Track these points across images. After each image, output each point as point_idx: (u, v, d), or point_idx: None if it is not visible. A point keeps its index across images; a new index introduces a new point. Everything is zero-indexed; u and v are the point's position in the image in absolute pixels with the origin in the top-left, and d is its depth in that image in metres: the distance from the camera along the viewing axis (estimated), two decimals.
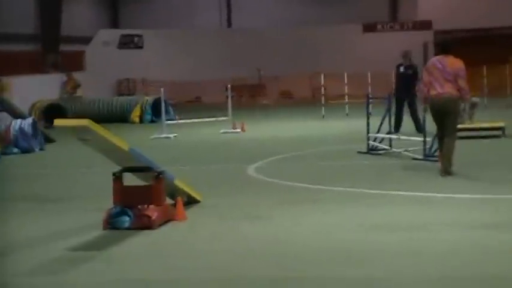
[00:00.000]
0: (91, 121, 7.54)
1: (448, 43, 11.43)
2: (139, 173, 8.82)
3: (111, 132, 8.01)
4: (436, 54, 36.29)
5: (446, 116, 11.02)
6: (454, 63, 11.03)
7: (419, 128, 15.98)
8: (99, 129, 7.66)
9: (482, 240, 7.41)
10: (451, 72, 10.95)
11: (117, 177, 8.57)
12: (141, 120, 24.66)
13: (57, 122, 7.46)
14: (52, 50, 31.89)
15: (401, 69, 18.16)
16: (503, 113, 21.52)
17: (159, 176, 8.59)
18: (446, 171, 10.99)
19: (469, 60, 29.56)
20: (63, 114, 23.67)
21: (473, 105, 16.41)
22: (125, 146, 8.14)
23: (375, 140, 14.29)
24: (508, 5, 35.78)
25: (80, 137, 7.77)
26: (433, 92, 11.02)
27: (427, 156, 12.78)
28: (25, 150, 16.44)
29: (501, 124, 16.07)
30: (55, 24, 32.17)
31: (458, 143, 14.07)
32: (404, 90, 17.31)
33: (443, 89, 10.93)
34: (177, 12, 39.50)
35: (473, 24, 35.81)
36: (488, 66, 26.22)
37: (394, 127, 15.50)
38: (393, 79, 18.68)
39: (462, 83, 10.94)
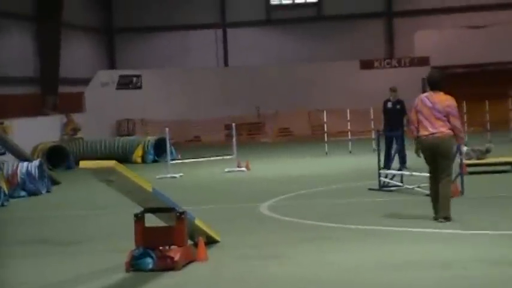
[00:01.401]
0: (117, 163, 7.51)
1: (436, 78, 10.33)
2: (160, 214, 8.75)
3: (134, 173, 7.97)
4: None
5: (440, 157, 10.19)
6: (444, 100, 10.17)
7: (403, 163, 16.03)
8: (124, 170, 7.63)
9: (508, 276, 7.36)
10: (442, 110, 10.09)
11: (139, 218, 8.51)
12: (143, 160, 24.60)
13: (83, 164, 7.42)
14: (51, 92, 31.93)
15: (389, 104, 18.17)
16: (508, 147, 21.56)
17: (181, 216, 8.53)
18: (445, 217, 10.21)
19: (468, 95, 30.00)
20: (65, 156, 23.63)
21: (487, 151, 16.25)
22: (148, 186, 8.10)
23: (386, 176, 14.25)
24: (504, 40, 36.08)
25: (105, 178, 7.72)
26: (423, 132, 10.20)
27: None
28: (32, 193, 16.35)
29: (509, 159, 16.08)
30: (54, 66, 32.26)
31: (470, 178, 14.12)
32: (393, 125, 17.24)
33: (434, 128, 10.12)
34: (174, 52, 39.71)
35: (470, 60, 36.06)
36: (489, 102, 26.38)
37: (385, 165, 15.24)
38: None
39: (455, 121, 10.12)
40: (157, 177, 18.75)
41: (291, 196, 14.24)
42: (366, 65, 36.88)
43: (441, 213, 10.22)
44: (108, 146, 25.32)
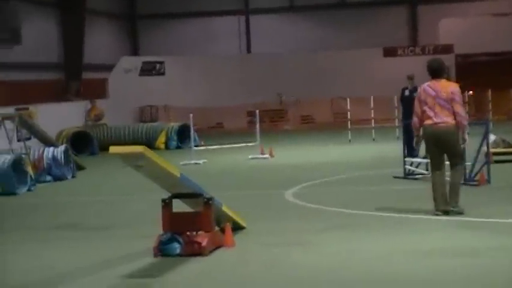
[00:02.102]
0: (146, 148, 7.53)
1: (436, 66, 9.98)
2: (188, 199, 8.78)
3: (163, 158, 7.99)
4: (456, 78, 35.96)
5: (446, 148, 9.90)
6: (447, 86, 9.87)
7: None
8: (153, 155, 7.65)
9: None
10: (446, 98, 9.78)
11: (167, 204, 8.54)
12: (166, 147, 24.68)
13: (113, 149, 7.45)
14: (75, 78, 32.05)
15: (406, 92, 17.87)
16: None
17: (208, 202, 8.55)
18: (453, 207, 9.95)
19: (493, 84, 29.78)
20: (89, 142, 23.75)
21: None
22: (176, 172, 8.13)
23: (411, 164, 14.20)
24: None
25: (134, 163, 7.75)
26: (428, 122, 9.88)
27: (467, 180, 12.68)
28: (58, 178, 16.47)
29: None
30: (78, 52, 32.37)
31: (496, 167, 14.02)
32: (411, 113, 16.83)
33: (439, 118, 9.80)
34: (197, 39, 39.69)
35: (495, 48, 35.77)
36: None
37: (408, 153, 14.85)
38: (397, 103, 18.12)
39: (458, 108, 9.76)
40: (181, 163, 18.78)
41: (315, 183, 14.23)
42: (390, 52, 36.69)
43: (452, 204, 9.96)
44: (131, 132, 25.41)
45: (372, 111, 25.23)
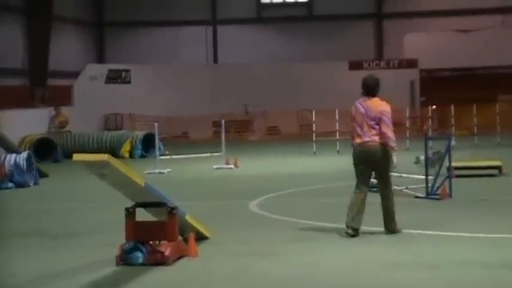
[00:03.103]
0: (110, 156, 7.48)
1: (371, 83, 9.62)
2: (152, 209, 8.73)
3: (128, 167, 7.94)
4: (420, 93, 36.25)
5: (373, 168, 9.66)
6: (378, 106, 9.49)
7: None
8: (118, 164, 7.60)
9: (500, 279, 7.40)
10: (375, 117, 9.45)
11: (130, 213, 8.48)
12: (131, 155, 24.54)
13: (77, 156, 7.39)
14: (40, 85, 31.77)
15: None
16: (495, 152, 21.68)
17: (172, 211, 8.52)
18: (391, 229, 9.69)
19: (456, 99, 30.12)
20: (53, 149, 23.53)
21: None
22: (141, 181, 8.08)
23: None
24: (492, 45, 36.25)
25: (98, 171, 7.70)
26: (357, 140, 9.58)
27: (430, 194, 12.79)
28: (20, 185, 16.28)
29: (498, 163, 16.17)
30: (43, 59, 32.09)
31: (458, 182, 14.16)
32: None
33: (367, 137, 9.48)
34: (164, 47, 39.63)
35: (459, 64, 36.25)
36: (477, 106, 26.48)
37: None
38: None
39: (386, 129, 9.39)
40: (146, 172, 18.69)
41: (279, 194, 14.25)
42: (355, 65, 36.92)
43: (388, 226, 9.72)
44: (96, 140, 25.22)
45: (337, 123, 25.35)
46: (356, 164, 9.71)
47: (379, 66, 37.08)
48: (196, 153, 21.49)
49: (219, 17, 40.37)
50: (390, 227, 9.71)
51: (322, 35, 39.30)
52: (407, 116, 27.15)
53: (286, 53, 38.99)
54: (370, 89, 9.61)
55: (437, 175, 12.87)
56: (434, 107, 29.15)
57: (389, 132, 9.45)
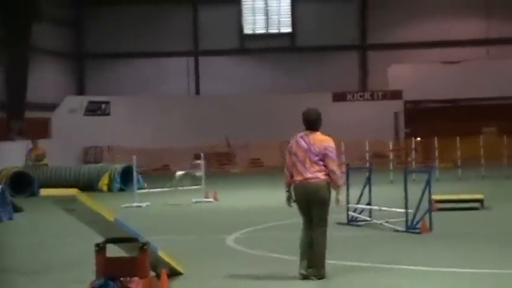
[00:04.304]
0: (79, 191, 7.47)
1: (313, 117, 9.29)
2: (122, 244, 8.69)
3: (97, 202, 7.93)
4: (405, 124, 36.52)
5: (314, 206, 9.16)
6: (322, 141, 9.12)
7: None
8: (86, 199, 7.59)
9: None
10: (319, 153, 9.06)
11: (101, 248, 8.44)
12: (110, 189, 24.49)
13: (44, 191, 7.37)
14: (17, 117, 31.74)
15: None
16: (479, 185, 21.80)
17: (143, 247, 8.48)
18: (319, 276, 9.15)
19: (441, 131, 30.34)
20: (30, 183, 23.43)
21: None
22: (110, 216, 8.06)
23: (354, 210, 14.31)
24: (477, 76, 36.61)
25: (66, 207, 7.68)
26: (297, 178, 9.11)
27: (410, 228, 12.82)
28: None
29: (480, 196, 16.24)
30: (21, 90, 32.11)
31: (439, 215, 14.22)
32: None
33: (310, 173, 9.05)
34: (145, 79, 39.80)
35: (443, 95, 36.58)
36: (461, 137, 26.63)
37: None
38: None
39: (332, 165, 9.06)
40: (123, 206, 18.67)
41: (258, 228, 14.23)
42: (339, 97, 37.21)
43: (314, 270, 9.14)
44: (73, 173, 25.18)
45: None
46: (298, 202, 9.25)
47: (363, 98, 37.38)
48: (175, 187, 21.44)
49: (201, 47, 40.64)
50: (319, 273, 9.16)
51: (305, 66, 39.60)
52: (391, 148, 27.26)
53: (269, 84, 39.25)
54: (312, 123, 9.27)
55: (417, 208, 12.90)
56: (418, 138, 29.33)
57: (337, 169, 9.12)
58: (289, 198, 9.36)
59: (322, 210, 9.23)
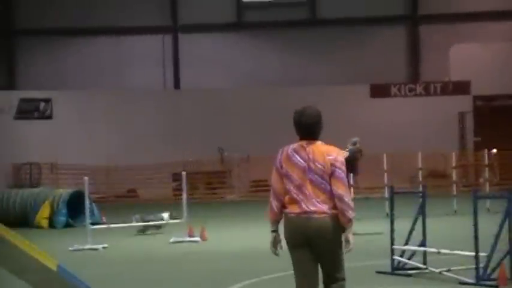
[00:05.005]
0: (5, 228, 7.48)
1: (311, 119, 8.91)
2: None
3: (32, 243, 7.94)
4: (474, 130, 36.59)
5: (321, 253, 8.62)
6: (325, 153, 8.69)
7: None
8: (15, 238, 7.60)
9: None
10: (323, 171, 8.61)
11: None
12: (51, 224, 24.55)
13: None
14: None
15: None
16: None
17: None
18: None
19: None
20: None
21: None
22: (51, 263, 8.07)
23: (402, 254, 14.31)
24: None
25: None
26: (292, 209, 8.64)
27: (482, 278, 12.80)
28: None
29: None
30: None
31: None
32: None
33: (312, 205, 8.58)
34: (100, 67, 39.83)
35: None
36: None
37: None
38: None
39: (341, 188, 8.53)
40: (71, 248, 18.67)
41: (263, 280, 14.24)
42: (380, 91, 37.30)
43: None
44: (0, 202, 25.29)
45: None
46: (293, 246, 8.62)
47: (415, 92, 37.51)
48: (146, 221, 21.50)
49: (182, 21, 40.69)
50: None
51: (329, 47, 39.66)
52: (454, 164, 27.28)
53: (278, 73, 39.30)
54: (310, 129, 8.83)
55: (492, 251, 12.88)
56: (494, 150, 29.36)
57: (347, 194, 8.54)
58: (276, 242, 8.71)
59: (333, 257, 8.62)
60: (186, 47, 40.46)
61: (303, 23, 40.38)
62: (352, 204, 8.43)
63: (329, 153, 8.57)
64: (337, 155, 8.55)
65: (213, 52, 40.20)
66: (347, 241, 8.40)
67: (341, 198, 8.42)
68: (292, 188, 8.57)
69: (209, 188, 35.35)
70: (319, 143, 8.68)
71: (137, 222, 21.68)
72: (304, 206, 8.50)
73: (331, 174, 8.47)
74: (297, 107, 9.36)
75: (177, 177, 29.72)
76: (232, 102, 37.16)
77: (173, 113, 37.22)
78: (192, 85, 39.53)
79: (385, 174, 25.17)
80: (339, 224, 8.45)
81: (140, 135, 36.16)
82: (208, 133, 36.01)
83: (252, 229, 22.89)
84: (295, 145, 8.70)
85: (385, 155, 25.24)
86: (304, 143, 8.66)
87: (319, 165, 8.54)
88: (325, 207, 8.48)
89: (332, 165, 8.51)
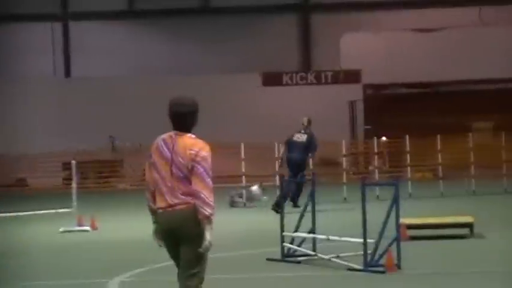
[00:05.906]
0: None
1: (183, 110, 8.58)
2: None
3: None
4: (365, 119, 37.04)
5: (183, 244, 8.58)
6: (188, 147, 8.47)
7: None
8: None
9: None
10: (184, 165, 8.44)
11: None
12: None
13: None
14: None
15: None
16: (467, 203, 22.14)
17: None
18: None
19: (414, 127, 30.70)
20: None
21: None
22: None
23: (292, 241, 14.35)
24: (465, 51, 37.07)
25: None
26: (160, 204, 8.55)
27: (370, 265, 12.90)
28: None
29: (468, 219, 16.46)
30: None
31: (411, 247, 14.36)
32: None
33: (175, 197, 8.49)
34: None
35: (417, 77, 37.07)
36: (443, 137, 26.63)
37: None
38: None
39: (201, 185, 8.39)
40: None
41: (154, 269, 14.16)
42: (271, 79, 37.42)
43: None
44: None
45: (243, 163, 25.52)
46: (164, 240, 8.58)
47: (306, 81, 37.71)
48: (33, 211, 21.28)
49: (72, 8, 40.33)
50: None
51: (221, 36, 39.68)
52: (345, 152, 27.50)
53: (170, 61, 39.23)
54: (181, 120, 8.56)
55: (380, 237, 12.99)
56: (383, 138, 29.68)
57: (205, 190, 8.37)
58: (155, 232, 8.58)
59: (192, 251, 8.47)
60: (77, 34, 40.14)
61: (195, 12, 40.33)
62: (211, 200, 8.22)
63: (192, 148, 8.37)
64: (200, 150, 8.34)
65: (104, 40, 39.94)
66: (204, 238, 8.24)
67: (197, 195, 8.26)
68: (158, 178, 8.44)
69: (100, 177, 35.09)
70: (188, 135, 8.45)
71: None
72: (168, 199, 8.41)
73: (191, 169, 8.29)
74: (189, 95, 9.10)
75: (67, 166, 29.44)
76: (123, 91, 36.94)
77: (64, 101, 36.87)
78: (83, 73, 39.24)
79: (277, 162, 25.25)
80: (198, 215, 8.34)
81: (30, 124, 35.72)
82: (100, 122, 35.77)
83: (143, 218, 22.55)
84: (166, 135, 8.47)
85: (276, 143, 25.33)
86: (173, 133, 8.43)
87: (179, 159, 8.37)
88: (189, 198, 8.33)
89: (192, 160, 8.33)
